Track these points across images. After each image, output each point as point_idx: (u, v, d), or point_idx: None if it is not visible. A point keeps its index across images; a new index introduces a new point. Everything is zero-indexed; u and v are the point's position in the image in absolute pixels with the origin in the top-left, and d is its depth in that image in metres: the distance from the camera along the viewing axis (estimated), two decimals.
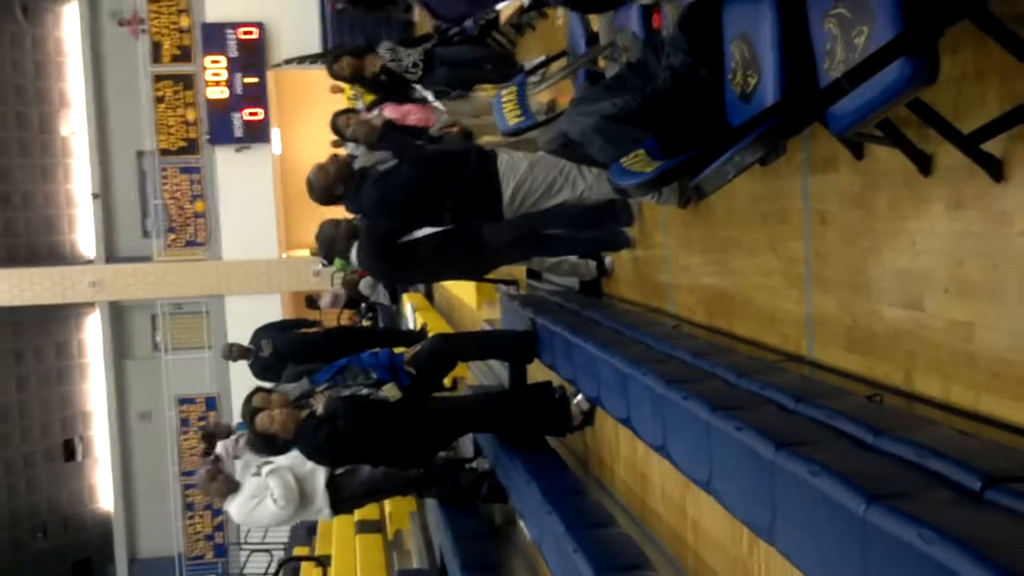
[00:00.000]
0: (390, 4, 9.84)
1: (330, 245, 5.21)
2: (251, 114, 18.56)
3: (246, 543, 17.09)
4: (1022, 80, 2.24)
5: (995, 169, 2.37)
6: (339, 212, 5.30)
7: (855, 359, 3.02)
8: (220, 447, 6.25)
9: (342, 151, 8.05)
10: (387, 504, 7.82)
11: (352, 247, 5.26)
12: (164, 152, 18.88)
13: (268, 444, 4.90)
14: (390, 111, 7.48)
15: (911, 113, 2.42)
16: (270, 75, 18.72)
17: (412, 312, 10.34)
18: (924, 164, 2.60)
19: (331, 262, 9.05)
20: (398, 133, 4.90)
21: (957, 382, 2.58)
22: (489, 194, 4.51)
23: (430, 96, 6.70)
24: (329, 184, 4.67)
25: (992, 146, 2.35)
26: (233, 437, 6.21)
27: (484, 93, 7.19)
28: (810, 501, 2.15)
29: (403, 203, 4.68)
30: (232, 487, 5.79)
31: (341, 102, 11.96)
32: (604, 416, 4.69)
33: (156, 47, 18.80)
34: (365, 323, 11.83)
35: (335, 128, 7.33)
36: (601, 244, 5.14)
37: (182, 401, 19.43)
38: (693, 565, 3.87)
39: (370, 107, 7.96)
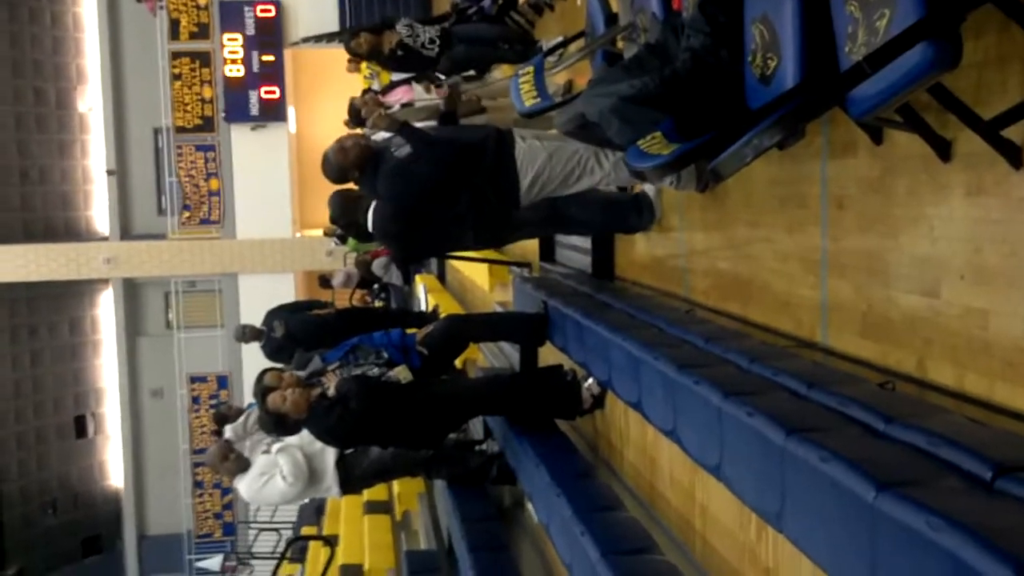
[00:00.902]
0: None
1: (343, 207, 5.14)
2: (267, 92, 18.56)
3: (255, 522, 17.20)
4: None
5: (1015, 156, 2.34)
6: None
7: (869, 346, 3.00)
8: (229, 430, 6.27)
9: (358, 131, 8.05)
10: (396, 485, 7.84)
11: (367, 210, 5.21)
12: (180, 130, 18.91)
13: (279, 424, 4.90)
14: (402, 93, 7.47)
15: (931, 98, 2.39)
16: (287, 53, 18.70)
17: (424, 293, 10.34)
18: (943, 150, 2.57)
19: (346, 234, 9.05)
20: (415, 129, 4.85)
21: (971, 370, 2.56)
22: (507, 183, 4.50)
23: (442, 77, 6.68)
24: (345, 166, 4.64)
25: (1012, 132, 2.32)
26: (243, 416, 6.23)
27: (501, 74, 7.16)
28: (820, 487, 2.14)
29: (419, 198, 4.68)
30: (243, 465, 5.82)
31: (357, 81, 11.95)
32: (614, 400, 4.68)
33: (174, 24, 18.80)
34: (378, 304, 11.84)
35: (352, 111, 7.31)
36: (619, 228, 5.13)
37: (193, 379, 19.52)
38: (701, 550, 3.87)
39: (385, 89, 7.94)
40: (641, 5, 3.70)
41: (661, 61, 3.05)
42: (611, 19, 4.32)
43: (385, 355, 5.32)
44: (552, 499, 4.21)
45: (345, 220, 6.21)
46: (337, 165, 4.65)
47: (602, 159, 4.40)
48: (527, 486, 5.03)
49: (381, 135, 5.06)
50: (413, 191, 4.63)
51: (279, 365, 7.04)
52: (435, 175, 4.53)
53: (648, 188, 4.71)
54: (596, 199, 4.78)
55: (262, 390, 5.13)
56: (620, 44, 4.20)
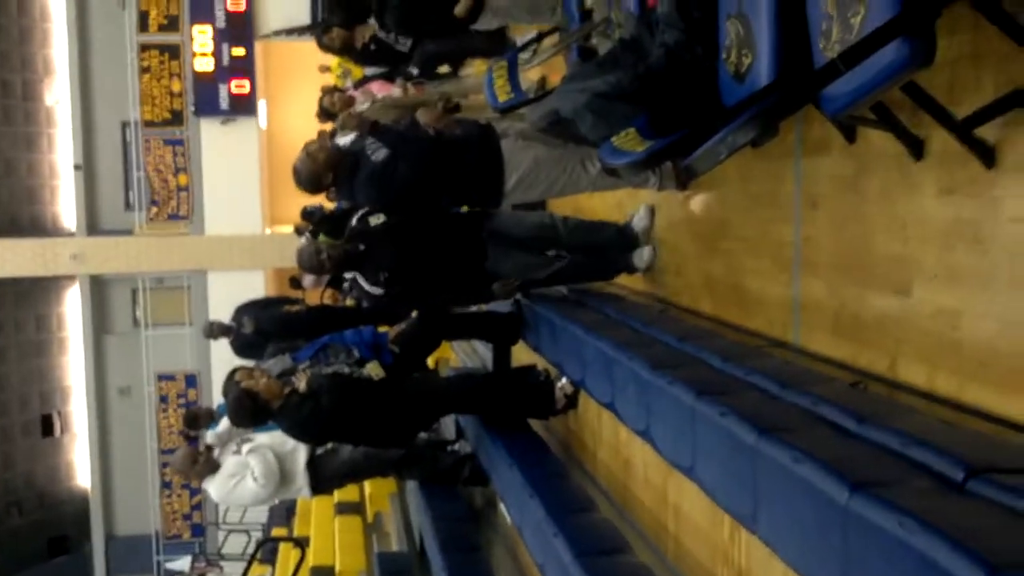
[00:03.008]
0: None
1: (314, 179, 4.77)
2: (238, 86, 18.39)
3: (224, 523, 17.04)
4: (1019, 64, 2.21)
5: (987, 155, 2.34)
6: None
7: (841, 345, 3.00)
8: (211, 435, 6.18)
9: (328, 126, 7.98)
10: (367, 485, 7.79)
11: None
12: (148, 124, 18.69)
13: (251, 412, 4.78)
14: (377, 88, 7.41)
15: (905, 96, 2.38)
16: (258, 47, 18.54)
17: None
18: (917, 148, 2.57)
19: (316, 231, 8.96)
20: (388, 127, 4.69)
21: (943, 370, 2.56)
22: (491, 181, 4.39)
23: (415, 72, 6.63)
24: (318, 172, 4.41)
25: (985, 132, 2.32)
26: (225, 422, 6.14)
27: (474, 70, 7.12)
28: (792, 488, 2.13)
29: (398, 201, 4.58)
30: (213, 467, 5.75)
31: (329, 79, 11.87)
32: (588, 400, 4.67)
33: (143, 16, 18.58)
34: (349, 302, 11.75)
35: (323, 109, 7.25)
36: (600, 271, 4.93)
37: (161, 377, 19.31)
38: (674, 551, 3.86)
39: (358, 84, 7.88)
40: (615, 0, 3.68)
41: (635, 57, 3.03)
42: (585, 15, 4.30)
43: (357, 354, 5.28)
44: (525, 500, 4.19)
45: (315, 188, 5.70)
46: (308, 174, 4.42)
47: (588, 165, 4.33)
48: (500, 487, 5.01)
49: (349, 137, 4.96)
50: (390, 196, 4.50)
51: (249, 362, 6.96)
52: (414, 176, 4.37)
53: (636, 218, 4.61)
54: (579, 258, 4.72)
55: (232, 387, 5.05)
56: (595, 40, 4.18)
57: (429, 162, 4.38)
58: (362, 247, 4.68)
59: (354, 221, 4.84)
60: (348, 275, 5.13)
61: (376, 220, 4.62)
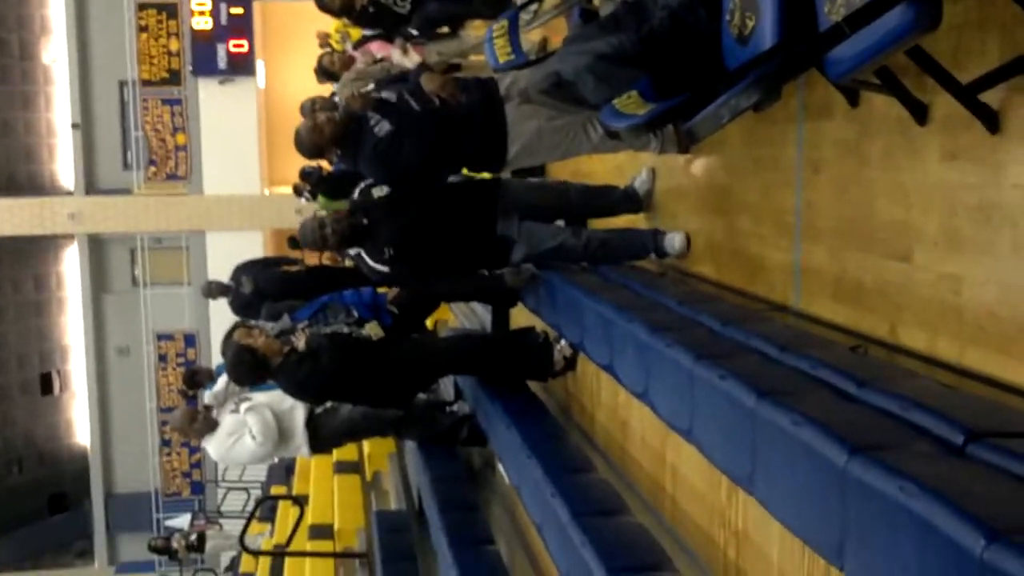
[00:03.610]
0: None
1: (316, 150, 4.75)
2: (236, 46, 18.24)
3: (223, 481, 17.14)
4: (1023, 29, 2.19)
5: (991, 120, 2.34)
6: None
7: (841, 310, 3.01)
8: (209, 396, 6.19)
9: (328, 87, 7.93)
10: (366, 445, 7.84)
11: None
12: (146, 83, 18.57)
13: (250, 367, 4.78)
14: (377, 48, 7.35)
15: (909, 61, 2.37)
16: (256, 6, 18.37)
17: None
18: (920, 113, 2.56)
19: (315, 191, 8.93)
20: (383, 100, 4.60)
21: (943, 335, 2.56)
22: (494, 150, 4.35)
23: (414, 33, 6.57)
24: (321, 144, 4.41)
25: (989, 97, 2.31)
26: (223, 381, 6.16)
27: (474, 31, 7.06)
28: (791, 451, 2.14)
29: (403, 177, 4.54)
30: (211, 426, 5.77)
31: (329, 45, 11.74)
32: (586, 362, 4.68)
33: None
34: (348, 263, 11.74)
35: (323, 68, 7.20)
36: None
37: (160, 337, 19.35)
38: (671, 512, 3.89)
39: (356, 45, 7.82)
40: None
41: (638, 19, 3.01)
42: None
43: (356, 314, 5.28)
44: (523, 461, 4.21)
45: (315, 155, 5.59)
46: (311, 144, 4.42)
47: (589, 130, 4.31)
48: (498, 448, 5.04)
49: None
50: (395, 176, 4.49)
51: (248, 321, 6.97)
52: (418, 154, 4.32)
53: (639, 181, 4.61)
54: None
55: (232, 345, 5.05)
56: (597, 1, 4.14)
57: (433, 140, 4.32)
58: (365, 221, 4.56)
59: (356, 193, 4.79)
60: (352, 251, 5.00)
61: (379, 192, 4.53)
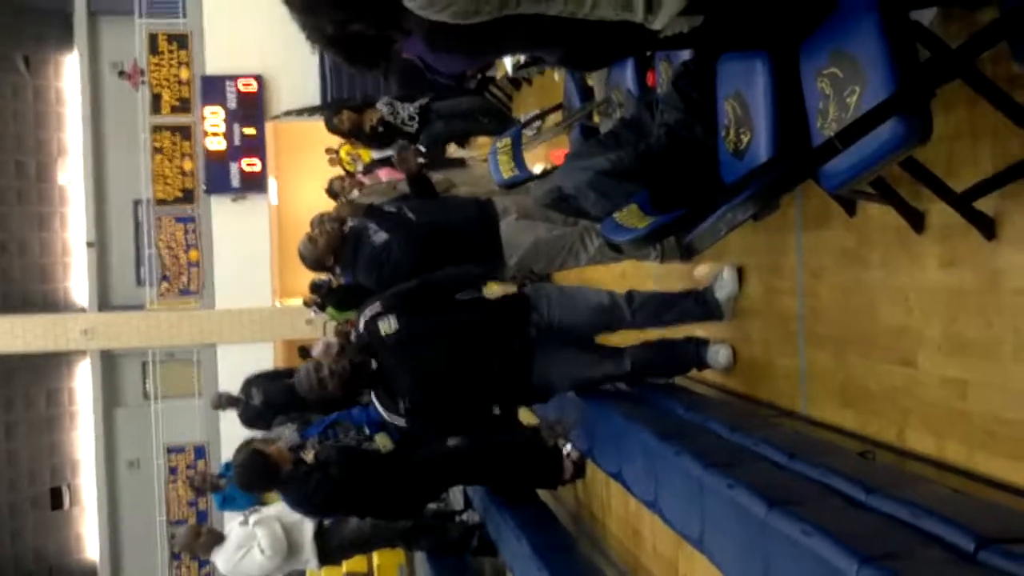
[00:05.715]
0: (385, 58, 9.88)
1: (317, 262, 4.73)
2: (249, 165, 18.62)
3: None
4: (1015, 139, 2.25)
5: (987, 227, 2.38)
6: None
7: (849, 414, 3.01)
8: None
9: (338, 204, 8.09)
10: (375, 556, 7.71)
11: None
12: (160, 202, 18.92)
13: (260, 473, 4.73)
14: (385, 175, 7.53)
15: (904, 171, 2.43)
16: (268, 126, 18.83)
17: None
18: (917, 221, 2.61)
19: (325, 303, 9.02)
20: (382, 210, 4.77)
21: (951, 439, 2.56)
22: (490, 263, 4.42)
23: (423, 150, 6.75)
24: (319, 256, 4.60)
25: (984, 204, 2.36)
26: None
27: (480, 153, 7.23)
28: (802, 561, 2.12)
29: (392, 282, 4.55)
30: (217, 539, 5.72)
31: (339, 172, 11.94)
32: (596, 470, 4.65)
33: (156, 98, 18.90)
34: None
35: (332, 191, 7.38)
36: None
37: (171, 450, 19.24)
38: None
39: (367, 169, 8.01)
40: (616, 81, 3.77)
41: (637, 136, 3.09)
42: (587, 94, 4.39)
43: (367, 431, 5.27)
44: (534, 573, 4.15)
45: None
46: (311, 257, 4.63)
47: (587, 242, 4.40)
48: (508, 558, 4.97)
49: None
50: (386, 281, 4.44)
51: (257, 433, 6.94)
52: (409, 261, 4.32)
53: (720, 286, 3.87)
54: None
55: (245, 454, 5.01)
56: (596, 118, 4.26)
57: (423, 245, 4.36)
58: (374, 364, 3.96)
59: (361, 325, 4.12)
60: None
61: (387, 327, 3.92)
